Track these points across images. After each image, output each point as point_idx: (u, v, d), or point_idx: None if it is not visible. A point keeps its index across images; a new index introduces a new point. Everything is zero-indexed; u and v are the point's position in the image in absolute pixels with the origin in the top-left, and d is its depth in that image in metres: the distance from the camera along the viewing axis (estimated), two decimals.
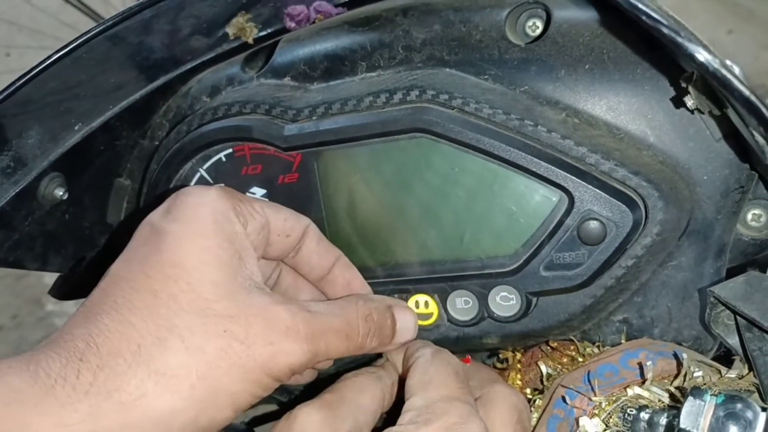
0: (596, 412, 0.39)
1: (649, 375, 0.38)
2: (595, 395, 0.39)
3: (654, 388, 0.38)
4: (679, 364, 0.39)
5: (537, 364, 0.46)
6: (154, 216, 0.38)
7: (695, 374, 0.38)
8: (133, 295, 0.34)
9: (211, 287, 0.35)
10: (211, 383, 0.34)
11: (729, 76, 0.29)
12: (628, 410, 0.37)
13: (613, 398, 0.39)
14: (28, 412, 0.30)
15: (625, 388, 0.39)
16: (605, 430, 0.38)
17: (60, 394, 0.30)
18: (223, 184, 0.40)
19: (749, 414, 0.29)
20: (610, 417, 0.38)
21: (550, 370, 0.45)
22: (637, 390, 0.39)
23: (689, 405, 0.31)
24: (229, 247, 0.36)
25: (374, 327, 0.41)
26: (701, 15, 2.94)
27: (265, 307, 0.36)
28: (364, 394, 0.40)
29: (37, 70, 0.44)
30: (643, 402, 0.38)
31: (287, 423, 0.37)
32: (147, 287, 0.34)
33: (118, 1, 2.51)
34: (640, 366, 0.40)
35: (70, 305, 2.09)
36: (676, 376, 0.39)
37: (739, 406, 0.30)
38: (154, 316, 0.34)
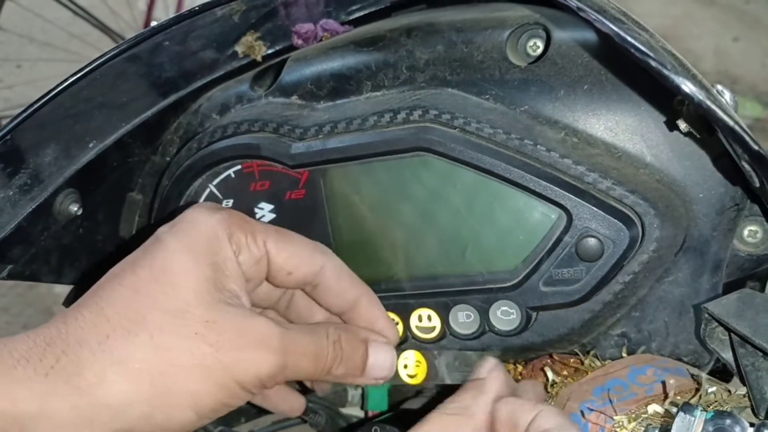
0: (617, 430, 0.39)
1: (671, 393, 0.39)
2: (616, 413, 0.40)
3: (673, 407, 0.38)
4: (695, 381, 0.40)
5: (543, 371, 0.47)
6: (162, 227, 0.40)
7: (709, 391, 0.39)
8: (116, 290, 0.36)
9: (192, 294, 0.36)
10: (171, 379, 0.35)
11: (714, 107, 0.31)
12: (649, 428, 0.37)
13: (633, 416, 0.39)
14: None
15: (645, 405, 0.40)
16: None
17: (19, 373, 0.32)
18: (232, 209, 0.41)
19: (737, 429, 0.30)
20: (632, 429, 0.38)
21: (555, 378, 0.46)
22: (658, 408, 0.39)
23: (680, 421, 0.32)
24: (215, 269, 0.38)
25: (341, 355, 0.41)
26: (707, 23, 2.95)
27: (240, 318, 0.37)
28: None
29: (55, 91, 0.46)
30: (665, 421, 0.38)
31: None
32: (130, 284, 0.36)
33: (127, 15, 2.54)
34: (662, 383, 0.41)
35: None
36: (694, 393, 0.40)
37: (728, 421, 0.31)
38: (129, 311, 0.35)
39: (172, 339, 0.35)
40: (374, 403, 0.59)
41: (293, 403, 0.51)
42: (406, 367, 0.50)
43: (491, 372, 0.41)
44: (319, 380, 0.47)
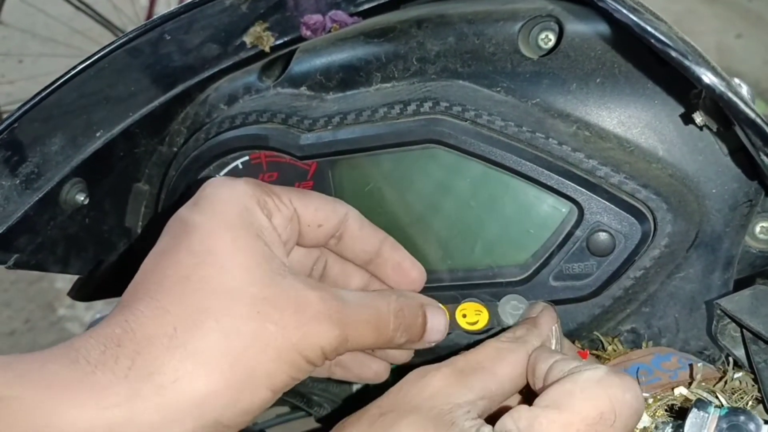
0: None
1: (698, 376, 0.39)
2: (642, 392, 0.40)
3: (701, 391, 0.39)
4: (718, 369, 0.40)
5: None
6: (183, 210, 0.38)
7: (735, 377, 0.39)
8: (165, 281, 0.35)
9: (242, 271, 0.35)
10: (248, 364, 0.34)
11: (735, 98, 0.30)
12: (655, 423, 0.38)
13: (658, 397, 0.39)
14: (70, 395, 0.30)
15: (671, 389, 0.40)
16: (652, 423, 0.38)
17: (100, 378, 0.31)
18: (246, 178, 0.40)
19: (752, 426, 0.30)
20: (656, 413, 0.38)
21: None
22: (684, 391, 0.39)
23: (693, 417, 0.32)
24: (257, 239, 0.37)
25: (404, 323, 0.41)
26: (710, 19, 2.94)
27: (297, 291, 0.36)
28: (503, 362, 0.38)
29: (62, 80, 0.45)
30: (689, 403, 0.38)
31: (410, 382, 0.37)
32: (178, 273, 0.35)
33: (129, 10, 2.54)
34: (689, 366, 0.41)
35: (82, 310, 2.12)
36: (719, 379, 0.40)
37: (741, 418, 0.30)
38: (188, 299, 0.34)
39: (237, 322, 0.34)
40: None
41: (377, 368, 0.48)
42: (464, 316, 0.48)
43: (543, 312, 0.43)
44: (380, 349, 0.46)
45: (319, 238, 0.43)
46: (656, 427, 0.37)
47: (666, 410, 0.39)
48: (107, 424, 0.31)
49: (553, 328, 0.42)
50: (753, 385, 0.38)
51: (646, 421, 0.38)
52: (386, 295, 0.42)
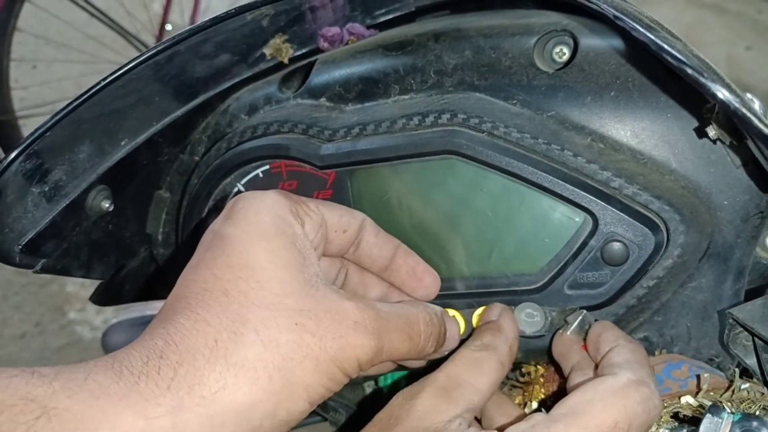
0: None
1: (704, 386, 0.40)
2: None
3: (706, 400, 0.39)
4: (728, 379, 0.41)
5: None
6: (216, 224, 0.39)
7: (742, 387, 0.39)
8: (205, 294, 0.35)
9: (279, 284, 0.36)
10: (287, 375, 0.34)
11: (749, 114, 0.31)
12: (671, 428, 0.38)
13: (666, 404, 0.40)
14: (115, 406, 0.31)
15: (678, 397, 0.40)
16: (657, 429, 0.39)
17: (144, 389, 0.32)
18: (276, 189, 0.41)
19: (764, 431, 0.31)
20: (662, 419, 0.39)
21: None
22: (690, 399, 0.40)
23: (707, 422, 0.32)
24: (291, 248, 0.37)
25: (435, 332, 0.42)
26: (720, 30, 2.94)
27: (333, 302, 0.37)
28: (482, 376, 0.40)
29: (91, 92, 0.47)
30: (699, 410, 0.39)
31: (398, 405, 0.38)
32: (218, 287, 0.36)
33: (143, 16, 2.56)
34: (697, 377, 0.41)
35: (92, 314, 2.14)
36: (727, 389, 0.40)
37: (755, 424, 0.31)
38: (228, 312, 0.35)
39: (276, 333, 0.35)
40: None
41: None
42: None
43: (502, 314, 0.45)
44: (410, 359, 0.46)
45: (343, 244, 0.44)
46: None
47: (672, 417, 0.39)
48: None
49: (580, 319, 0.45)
50: (762, 394, 0.39)
51: (653, 427, 0.39)
52: (415, 304, 0.43)
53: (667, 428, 0.37)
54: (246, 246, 0.37)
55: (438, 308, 0.45)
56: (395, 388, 0.59)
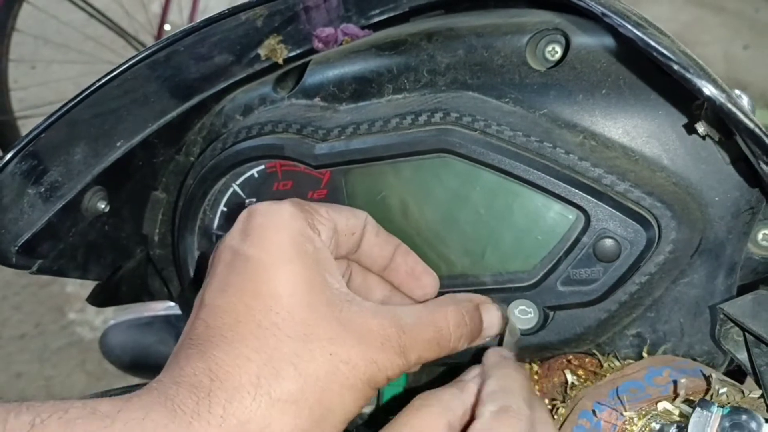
0: (627, 427, 0.40)
1: (681, 392, 0.40)
2: (626, 410, 0.41)
3: (683, 405, 0.39)
4: (707, 382, 0.41)
5: (564, 372, 0.47)
6: (233, 240, 0.39)
7: (720, 392, 0.39)
8: (241, 327, 0.36)
9: (307, 311, 0.37)
10: (327, 405, 0.36)
11: (735, 110, 0.31)
12: (661, 425, 0.38)
13: (644, 412, 0.40)
14: None
15: (655, 403, 0.40)
16: None
17: (197, 428, 0.32)
18: (290, 199, 0.41)
19: (753, 425, 0.31)
20: (645, 428, 0.39)
21: (574, 380, 0.47)
22: (668, 405, 0.40)
23: (696, 416, 0.33)
24: (314, 266, 0.38)
25: (467, 331, 0.42)
26: (717, 29, 2.95)
27: (359, 325, 0.37)
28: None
29: (86, 93, 0.47)
30: (675, 418, 0.39)
31: None
32: (251, 319, 0.36)
33: (142, 17, 2.57)
34: (674, 383, 0.42)
35: (92, 315, 2.14)
36: (705, 392, 0.40)
37: (744, 417, 0.31)
38: (265, 347, 0.35)
39: (312, 365, 0.35)
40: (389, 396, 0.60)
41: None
42: None
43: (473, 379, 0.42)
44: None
45: (350, 246, 0.44)
46: (661, 428, 0.38)
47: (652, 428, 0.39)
48: None
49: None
50: (741, 398, 0.39)
51: None
52: (443, 305, 0.43)
53: (657, 424, 0.37)
54: (270, 271, 0.37)
55: (474, 299, 0.45)
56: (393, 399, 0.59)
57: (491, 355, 0.45)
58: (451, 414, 0.38)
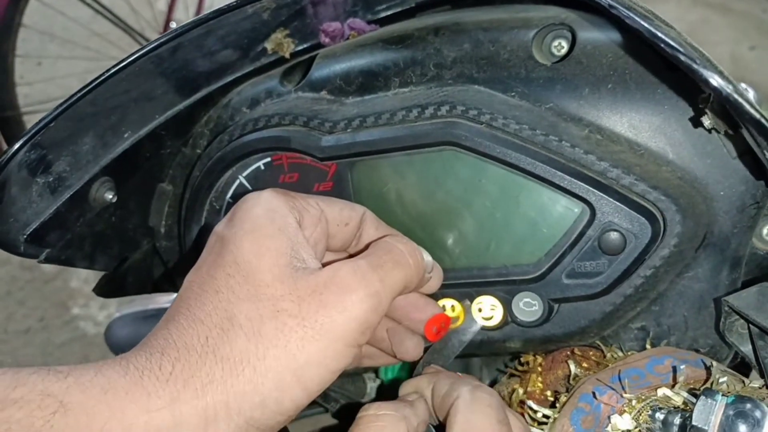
0: (626, 409, 0.40)
1: (680, 378, 0.40)
2: (626, 392, 0.41)
3: (683, 392, 0.39)
4: (708, 372, 0.41)
5: (567, 363, 0.48)
6: (219, 226, 0.41)
7: (720, 381, 0.40)
8: (202, 295, 0.38)
9: (262, 275, 0.37)
10: (271, 363, 0.35)
11: (741, 100, 0.32)
12: (658, 411, 0.39)
13: (643, 397, 0.41)
14: (121, 399, 0.33)
15: (655, 389, 0.41)
16: (636, 427, 0.39)
17: (146, 383, 0.34)
18: (277, 188, 0.42)
19: (758, 413, 0.31)
20: (640, 414, 0.39)
21: (578, 371, 0.47)
22: (667, 392, 0.40)
23: (701, 404, 0.33)
24: (279, 236, 0.39)
25: (412, 248, 0.43)
26: (724, 30, 2.94)
27: (313, 278, 0.38)
28: None
29: (94, 84, 0.47)
30: (674, 403, 0.39)
31: None
32: (212, 286, 0.38)
33: (148, 13, 2.57)
34: (673, 370, 0.42)
35: (96, 309, 2.15)
36: (705, 382, 0.41)
37: (748, 405, 0.32)
38: (218, 310, 0.37)
39: (258, 324, 0.36)
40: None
41: (410, 344, 0.47)
42: (480, 311, 0.49)
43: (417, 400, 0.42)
44: (413, 291, 0.46)
45: (346, 238, 0.44)
46: (665, 417, 0.38)
47: (650, 413, 0.39)
48: (156, 427, 0.33)
49: None
50: (742, 387, 0.39)
51: (628, 423, 0.39)
52: (385, 239, 0.43)
53: (662, 413, 0.37)
54: (239, 243, 0.38)
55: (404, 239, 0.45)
56: (396, 382, 0.59)
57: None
58: (408, 425, 0.38)
